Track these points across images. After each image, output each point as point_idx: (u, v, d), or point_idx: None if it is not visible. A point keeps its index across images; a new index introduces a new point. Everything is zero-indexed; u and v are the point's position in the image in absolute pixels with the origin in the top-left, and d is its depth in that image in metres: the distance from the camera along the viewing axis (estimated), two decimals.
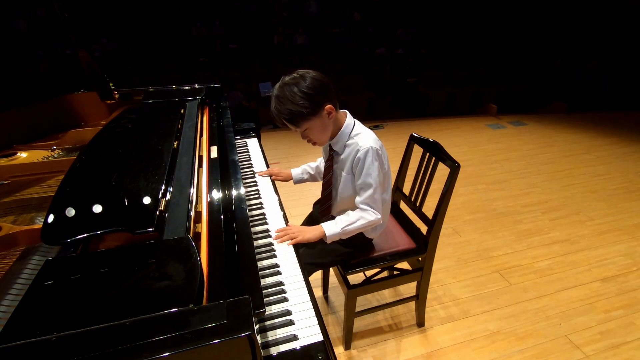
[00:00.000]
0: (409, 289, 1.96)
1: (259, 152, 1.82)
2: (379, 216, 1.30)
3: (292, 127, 1.21)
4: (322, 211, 1.46)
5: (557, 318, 1.81)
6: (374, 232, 1.45)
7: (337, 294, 1.95)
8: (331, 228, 1.28)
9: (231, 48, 7.86)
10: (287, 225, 1.26)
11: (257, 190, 1.46)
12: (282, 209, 1.34)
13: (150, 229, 0.81)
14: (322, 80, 1.19)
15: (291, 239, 1.18)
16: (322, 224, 1.29)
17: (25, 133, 1.68)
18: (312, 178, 1.62)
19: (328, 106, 1.20)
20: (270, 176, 1.56)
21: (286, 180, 1.61)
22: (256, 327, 0.66)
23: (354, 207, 1.33)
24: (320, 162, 1.59)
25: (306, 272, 1.05)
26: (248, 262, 0.89)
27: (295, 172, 1.61)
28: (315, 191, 2.84)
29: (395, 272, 1.59)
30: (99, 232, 0.81)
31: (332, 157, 1.36)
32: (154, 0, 8.59)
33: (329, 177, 1.40)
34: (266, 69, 6.91)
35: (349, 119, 1.30)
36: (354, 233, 1.32)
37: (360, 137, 1.27)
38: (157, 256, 0.74)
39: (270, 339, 0.83)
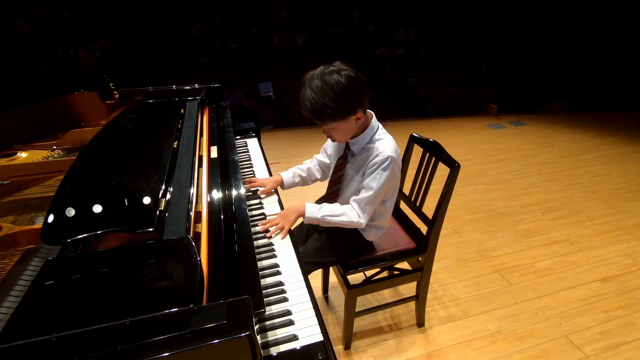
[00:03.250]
0: (409, 289, 1.96)
1: (259, 152, 1.82)
2: (362, 221, 1.27)
3: (316, 121, 1.18)
4: None
5: (557, 318, 1.81)
6: (373, 235, 1.44)
7: (337, 294, 1.95)
8: (313, 211, 1.26)
9: (231, 48, 7.87)
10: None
11: (257, 190, 1.46)
12: (282, 208, 1.34)
13: (150, 229, 0.81)
14: (358, 83, 1.13)
15: (281, 230, 1.18)
16: (306, 203, 1.27)
17: (25, 133, 1.68)
18: (303, 181, 1.54)
19: (359, 113, 1.17)
20: (257, 190, 1.41)
21: (275, 188, 1.45)
22: (256, 327, 0.66)
23: None
24: (308, 165, 1.55)
25: (305, 270, 1.05)
26: (248, 262, 0.88)
27: (286, 175, 1.50)
28: (315, 191, 2.84)
29: (395, 272, 1.59)
30: (99, 232, 0.81)
31: (346, 156, 1.34)
32: (154, 0, 8.60)
33: (339, 175, 1.38)
34: (266, 69, 6.91)
35: (374, 122, 1.28)
36: (333, 225, 1.30)
37: (382, 142, 1.25)
38: (157, 256, 0.74)
39: (270, 339, 0.83)
